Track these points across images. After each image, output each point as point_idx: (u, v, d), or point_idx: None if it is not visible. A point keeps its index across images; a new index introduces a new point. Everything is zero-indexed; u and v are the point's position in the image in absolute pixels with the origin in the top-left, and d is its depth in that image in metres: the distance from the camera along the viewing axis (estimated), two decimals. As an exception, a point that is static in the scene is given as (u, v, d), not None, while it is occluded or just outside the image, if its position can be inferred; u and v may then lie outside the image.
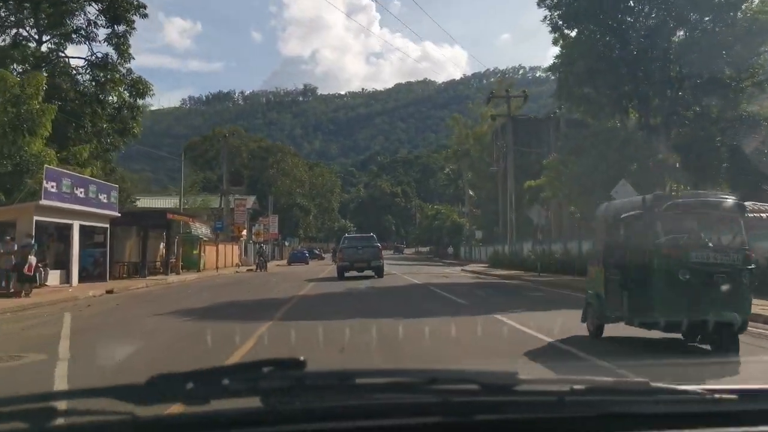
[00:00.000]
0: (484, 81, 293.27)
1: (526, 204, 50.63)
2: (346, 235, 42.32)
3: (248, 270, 47.75)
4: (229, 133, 57.49)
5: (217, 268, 43.01)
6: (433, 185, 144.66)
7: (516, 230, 45.60)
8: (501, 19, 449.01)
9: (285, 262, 68.66)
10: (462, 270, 45.00)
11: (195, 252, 42.03)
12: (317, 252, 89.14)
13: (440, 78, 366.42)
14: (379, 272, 31.78)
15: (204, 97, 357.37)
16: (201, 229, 43.17)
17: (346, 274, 31.42)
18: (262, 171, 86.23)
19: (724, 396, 1.74)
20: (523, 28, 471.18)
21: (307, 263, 65.28)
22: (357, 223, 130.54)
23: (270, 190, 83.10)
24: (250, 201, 76.44)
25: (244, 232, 68.16)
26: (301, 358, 1.71)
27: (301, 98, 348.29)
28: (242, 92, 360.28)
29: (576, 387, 1.73)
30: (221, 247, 51.07)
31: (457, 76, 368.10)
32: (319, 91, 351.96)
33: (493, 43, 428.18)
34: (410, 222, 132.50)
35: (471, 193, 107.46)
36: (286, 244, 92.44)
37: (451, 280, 29.38)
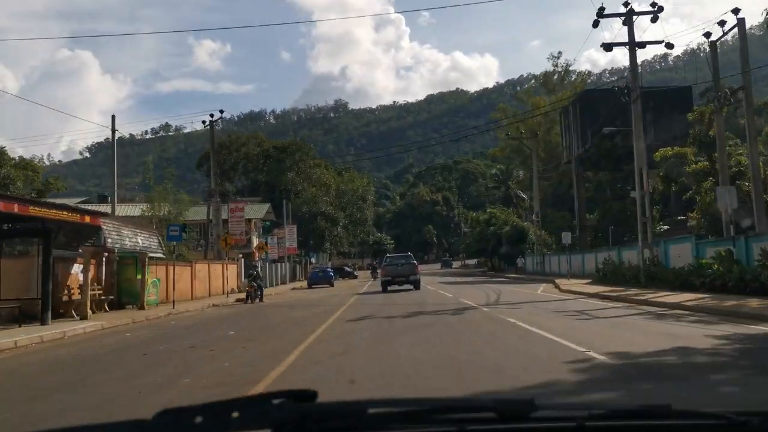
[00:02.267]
0: (518, 87, 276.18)
1: (659, 182, 32.94)
2: (387, 255, 43.79)
3: (237, 301, 30.39)
4: (217, 113, 40.05)
5: (173, 301, 25.60)
6: (475, 192, 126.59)
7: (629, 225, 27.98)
8: (530, 26, 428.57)
9: (306, 283, 50.94)
10: (562, 291, 27.46)
11: (138, 277, 24.84)
12: (348, 269, 71.51)
13: (472, 87, 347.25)
14: (417, 285, 33.84)
15: (236, 118, 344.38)
16: (135, 240, 25.91)
17: (389, 288, 34.02)
18: (279, 175, 69.20)
19: (750, 418, 1.60)
20: (554, 33, 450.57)
21: (332, 284, 47.84)
22: (394, 236, 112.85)
23: (288, 197, 66.01)
24: (261, 209, 59.48)
25: (255, 249, 51.21)
26: (312, 389, 1.66)
27: (332, 114, 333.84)
28: (273, 111, 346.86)
29: (595, 412, 1.64)
30: (203, 267, 33.92)
31: (490, 84, 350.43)
32: (350, 106, 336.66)
33: (524, 50, 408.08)
34: (453, 232, 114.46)
35: (522, 194, 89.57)
36: (312, 260, 75.01)
37: (614, 327, 11.83)
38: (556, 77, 78.89)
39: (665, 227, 48.72)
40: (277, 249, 55.77)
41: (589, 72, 74.24)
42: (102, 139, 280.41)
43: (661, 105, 52.48)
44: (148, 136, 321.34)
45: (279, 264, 56.12)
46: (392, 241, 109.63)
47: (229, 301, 30.45)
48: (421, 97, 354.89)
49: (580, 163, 55.08)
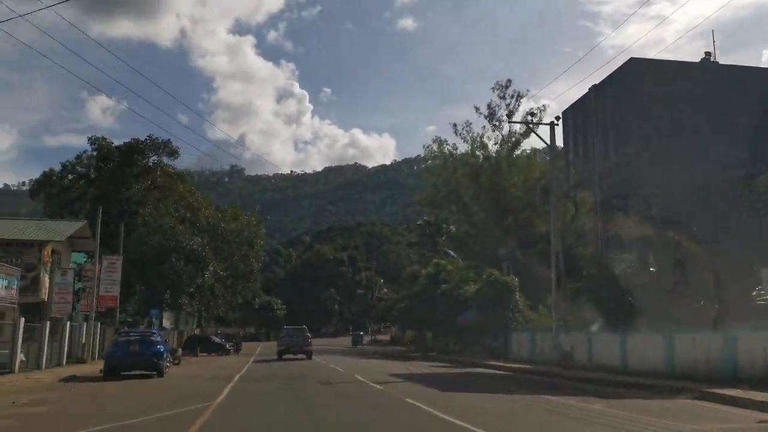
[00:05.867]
0: (415, 167, 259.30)
1: None
2: (285, 327, 40.88)
3: None
4: None
5: None
6: (384, 258, 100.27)
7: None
8: (425, 113, 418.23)
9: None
10: None
11: None
12: (218, 340, 43.34)
13: (370, 163, 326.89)
14: (309, 355, 34.42)
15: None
16: None
17: (284, 357, 33.97)
18: (119, 187, 41.13)
19: None
20: (448, 120, 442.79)
21: (160, 372, 20.23)
22: (287, 300, 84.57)
23: (129, 217, 38.14)
24: (68, 228, 31.64)
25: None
26: None
27: (227, 179, 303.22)
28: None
29: None
30: None
31: (387, 161, 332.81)
32: (247, 173, 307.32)
33: (420, 133, 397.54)
34: (360, 299, 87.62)
35: (453, 254, 64.35)
36: (167, 325, 46.10)
37: None
38: (504, 110, 53.80)
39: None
40: (73, 296, 27.42)
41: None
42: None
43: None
44: (25, 188, 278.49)
45: (75, 326, 27.86)
46: (284, 307, 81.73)
47: None
48: (319, 168, 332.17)
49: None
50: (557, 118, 30.44)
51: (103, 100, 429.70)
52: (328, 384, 17.01)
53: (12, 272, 21.24)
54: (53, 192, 48.28)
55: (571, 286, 29.91)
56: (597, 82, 31.96)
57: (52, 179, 48.70)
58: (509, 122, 35.25)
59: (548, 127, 30.34)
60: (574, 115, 33.58)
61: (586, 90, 33.30)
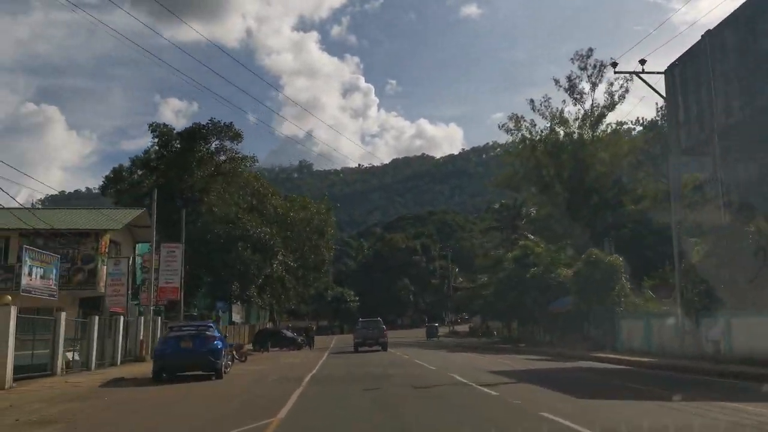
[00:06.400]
0: (483, 156, 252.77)
1: None
2: (360, 319, 41.50)
3: None
4: None
5: None
6: (458, 245, 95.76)
7: None
8: (492, 100, 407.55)
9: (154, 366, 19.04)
10: None
11: None
12: (289, 334, 40.24)
13: (438, 153, 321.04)
14: (384, 347, 34.47)
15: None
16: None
17: (359, 349, 34.34)
18: (181, 173, 38.61)
19: None
20: (515, 106, 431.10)
21: (220, 373, 16.98)
22: (359, 292, 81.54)
23: (192, 204, 35.50)
24: (125, 216, 28.98)
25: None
26: None
27: (296, 175, 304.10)
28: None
29: None
30: None
31: (455, 151, 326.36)
32: (315, 167, 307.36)
33: (487, 122, 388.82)
34: (434, 289, 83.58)
35: (532, 237, 58.96)
36: (238, 319, 43.38)
37: None
38: (585, 83, 47.88)
39: None
40: (134, 289, 24.67)
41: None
42: (56, 192, 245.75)
43: None
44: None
45: (131, 321, 25.16)
46: (356, 298, 78.83)
47: None
48: (387, 161, 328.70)
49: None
50: (673, 64, 25.66)
51: (175, 103, 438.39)
52: (423, 387, 13.24)
53: (49, 260, 18.53)
54: (123, 188, 46.47)
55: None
56: (675, 56, 26.64)
57: (122, 174, 46.97)
58: (615, 72, 30.06)
59: (661, 76, 25.72)
60: (682, 70, 28.29)
61: (666, 62, 27.91)
